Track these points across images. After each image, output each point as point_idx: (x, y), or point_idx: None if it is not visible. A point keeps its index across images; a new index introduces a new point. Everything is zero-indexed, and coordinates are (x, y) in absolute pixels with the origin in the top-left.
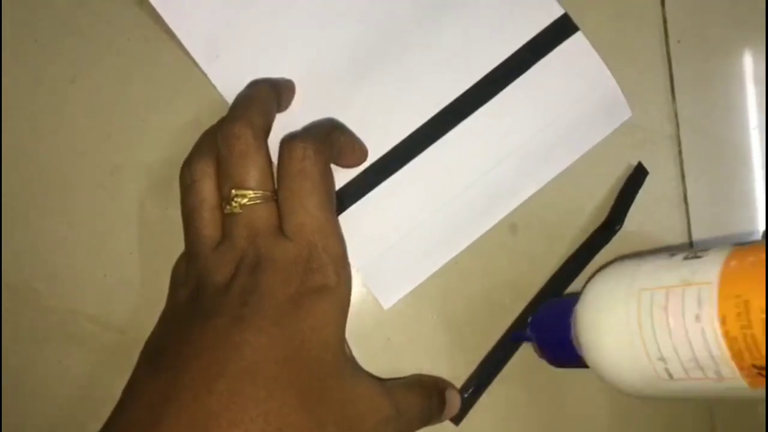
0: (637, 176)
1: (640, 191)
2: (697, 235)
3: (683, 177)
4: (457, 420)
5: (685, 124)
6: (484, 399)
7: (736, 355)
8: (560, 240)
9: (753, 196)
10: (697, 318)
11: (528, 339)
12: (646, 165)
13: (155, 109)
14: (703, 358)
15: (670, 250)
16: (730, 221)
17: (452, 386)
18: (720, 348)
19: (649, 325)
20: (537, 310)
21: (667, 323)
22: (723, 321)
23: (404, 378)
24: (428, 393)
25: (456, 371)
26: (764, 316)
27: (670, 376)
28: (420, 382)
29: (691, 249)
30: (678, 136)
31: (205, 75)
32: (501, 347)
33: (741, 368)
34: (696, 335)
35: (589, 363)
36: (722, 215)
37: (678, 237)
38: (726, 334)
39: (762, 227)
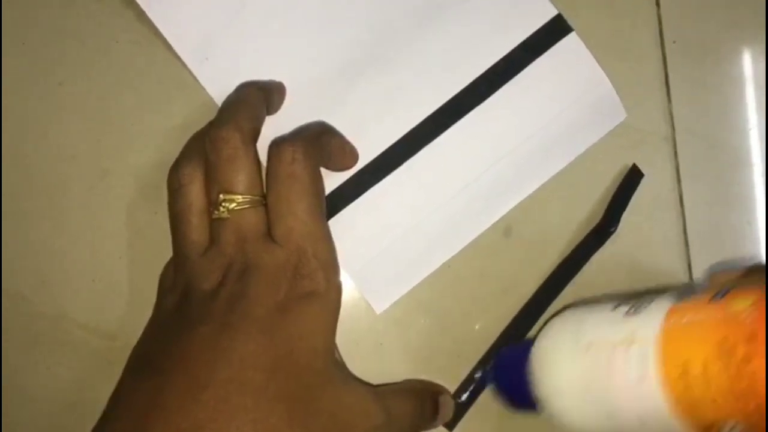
0: (632, 178)
1: (636, 193)
2: (693, 238)
3: (679, 179)
4: (450, 426)
5: (681, 125)
6: (478, 404)
7: (684, 416)
8: (555, 243)
9: (749, 198)
10: (641, 378)
11: (489, 383)
12: (641, 166)
13: (144, 113)
14: (651, 418)
15: (613, 302)
16: (726, 223)
17: (445, 391)
18: (664, 407)
19: (596, 383)
20: (498, 354)
21: (613, 381)
22: (665, 381)
23: (396, 383)
24: (421, 398)
25: (449, 376)
26: (704, 377)
27: (622, 430)
28: (412, 388)
29: (633, 301)
30: (673, 138)
31: (194, 77)
32: (496, 351)
33: (689, 427)
34: (641, 394)
35: (545, 409)
36: (718, 217)
37: (673, 239)
38: (669, 395)
39: (762, 227)
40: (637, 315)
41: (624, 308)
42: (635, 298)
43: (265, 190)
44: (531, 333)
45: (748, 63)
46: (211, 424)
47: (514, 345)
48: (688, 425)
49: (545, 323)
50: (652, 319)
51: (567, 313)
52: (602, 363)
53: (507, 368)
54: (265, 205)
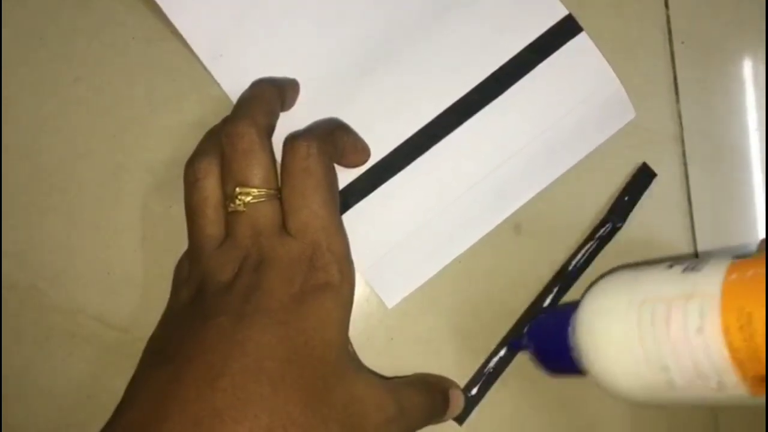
0: (642, 176)
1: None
2: (700, 236)
3: (687, 178)
4: (460, 419)
5: (689, 124)
6: (488, 398)
7: (739, 366)
8: (564, 240)
9: (758, 197)
10: (700, 330)
11: (525, 348)
12: (650, 165)
13: (159, 108)
14: (706, 368)
15: (666, 262)
16: (733, 222)
17: (456, 385)
18: (723, 359)
19: (650, 337)
20: (535, 319)
21: (669, 336)
22: (726, 333)
23: (408, 377)
24: (432, 392)
25: (459, 370)
26: (766, 327)
27: (672, 385)
28: (423, 381)
29: (688, 261)
30: (682, 137)
31: (209, 74)
32: (505, 346)
33: (743, 378)
34: (699, 347)
35: (588, 373)
36: (726, 216)
37: (681, 237)
38: (729, 346)
39: (762, 231)
40: (696, 272)
41: (680, 267)
42: (688, 259)
43: (279, 185)
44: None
45: (757, 63)
46: (229, 411)
47: (553, 309)
48: (744, 374)
49: (595, 281)
50: (714, 274)
51: (616, 275)
52: (659, 317)
53: (548, 331)
54: (280, 199)
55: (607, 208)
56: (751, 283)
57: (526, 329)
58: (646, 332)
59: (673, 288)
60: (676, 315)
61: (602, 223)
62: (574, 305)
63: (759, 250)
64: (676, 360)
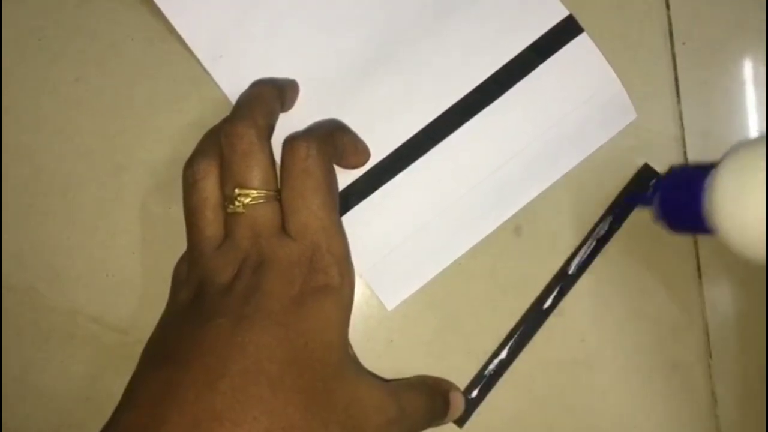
0: (644, 177)
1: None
2: (702, 237)
3: None
4: (461, 422)
5: (690, 125)
6: (488, 401)
7: None
8: (565, 242)
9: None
10: None
11: (648, 202)
12: (651, 166)
13: (159, 109)
14: None
15: None
16: None
17: (456, 388)
18: None
19: None
20: (665, 175)
21: None
22: None
23: (408, 379)
24: (432, 394)
25: (460, 372)
26: None
27: None
28: (424, 384)
29: None
30: (683, 138)
31: (208, 74)
32: (505, 348)
33: None
34: None
35: (723, 230)
36: None
37: (682, 238)
38: None
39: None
40: None
41: None
42: None
43: (279, 186)
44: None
45: (759, 64)
46: (228, 413)
47: (687, 166)
48: None
49: (731, 148)
50: None
51: (758, 138)
52: None
53: (679, 186)
54: (280, 200)
55: (607, 209)
56: None
57: (652, 182)
58: None
59: None
60: None
61: (600, 224)
62: (709, 165)
63: None
64: None
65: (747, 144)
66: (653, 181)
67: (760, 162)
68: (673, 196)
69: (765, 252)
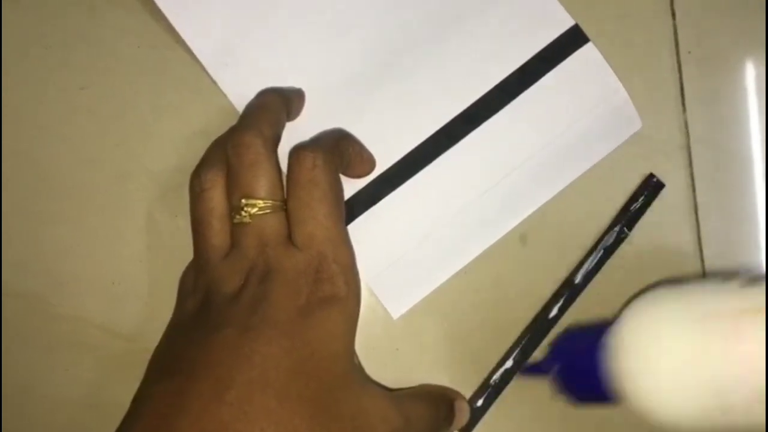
0: (649, 187)
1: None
2: (707, 247)
3: (694, 188)
4: (466, 431)
5: (696, 134)
6: (493, 410)
7: None
8: (570, 251)
9: (764, 207)
10: None
11: (547, 372)
12: (656, 175)
13: (164, 117)
14: None
15: (719, 276)
16: (741, 233)
17: (461, 396)
18: None
19: (712, 355)
20: (557, 341)
21: (737, 353)
22: None
23: (413, 388)
24: (437, 403)
25: (465, 381)
26: None
27: (727, 410)
28: (429, 393)
29: (738, 275)
30: (689, 147)
31: (214, 82)
32: (510, 357)
33: None
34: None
35: (627, 399)
36: (733, 227)
37: (688, 247)
38: None
39: (763, 233)
40: (757, 286)
41: (735, 281)
42: (733, 274)
43: (285, 196)
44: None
45: (764, 73)
46: (236, 424)
47: (580, 329)
48: None
49: (634, 296)
50: None
51: (661, 290)
52: (725, 332)
53: (575, 353)
54: (286, 210)
55: (614, 218)
56: None
57: (549, 350)
58: (709, 350)
59: (740, 301)
60: (746, 329)
61: (608, 233)
62: (605, 324)
63: None
64: (737, 381)
65: (649, 296)
66: (550, 348)
67: (662, 324)
68: (571, 363)
69: (673, 414)
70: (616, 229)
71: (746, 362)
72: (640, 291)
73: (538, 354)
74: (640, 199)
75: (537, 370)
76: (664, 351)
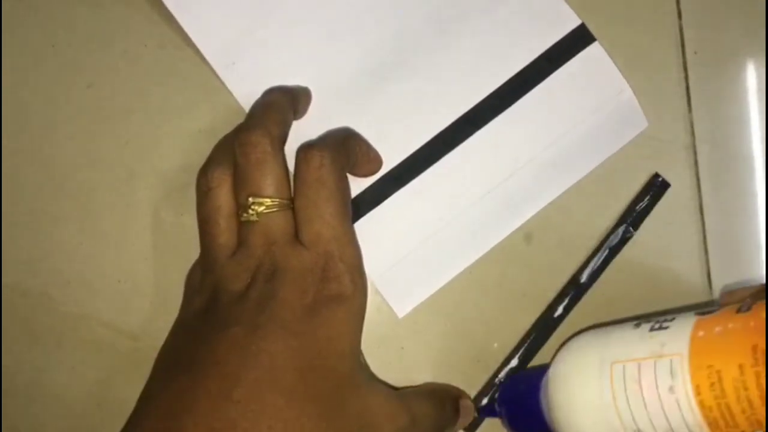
0: (654, 187)
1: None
2: (712, 247)
3: (699, 188)
4: (470, 429)
5: (701, 134)
6: None
7: (712, 424)
8: (575, 250)
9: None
10: (671, 389)
11: (498, 414)
12: (661, 175)
13: (171, 116)
14: (679, 428)
15: (633, 321)
16: (746, 233)
17: (466, 395)
18: (695, 417)
19: (623, 397)
20: (504, 383)
21: (642, 395)
22: (697, 391)
23: (418, 386)
24: (442, 402)
25: (470, 380)
26: (737, 385)
27: None
28: (434, 391)
29: (655, 319)
30: (694, 147)
31: (221, 82)
32: (515, 357)
33: None
34: (671, 406)
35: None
36: (738, 226)
37: (693, 248)
38: (701, 404)
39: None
40: (663, 330)
41: (647, 326)
42: (655, 316)
43: (292, 194)
44: (546, 347)
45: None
46: (244, 422)
47: (523, 373)
48: None
49: (563, 343)
50: (680, 332)
51: (585, 335)
52: (630, 379)
53: (518, 395)
54: (293, 209)
55: (619, 217)
56: (718, 340)
57: (496, 396)
58: (619, 393)
59: (642, 348)
60: (646, 375)
61: (613, 232)
62: (545, 368)
63: (722, 304)
64: (649, 421)
65: (574, 342)
66: (497, 393)
67: (586, 360)
68: (515, 404)
69: None
70: (622, 228)
71: (649, 406)
72: (571, 335)
73: (535, 361)
74: (646, 199)
75: (489, 411)
76: (584, 394)
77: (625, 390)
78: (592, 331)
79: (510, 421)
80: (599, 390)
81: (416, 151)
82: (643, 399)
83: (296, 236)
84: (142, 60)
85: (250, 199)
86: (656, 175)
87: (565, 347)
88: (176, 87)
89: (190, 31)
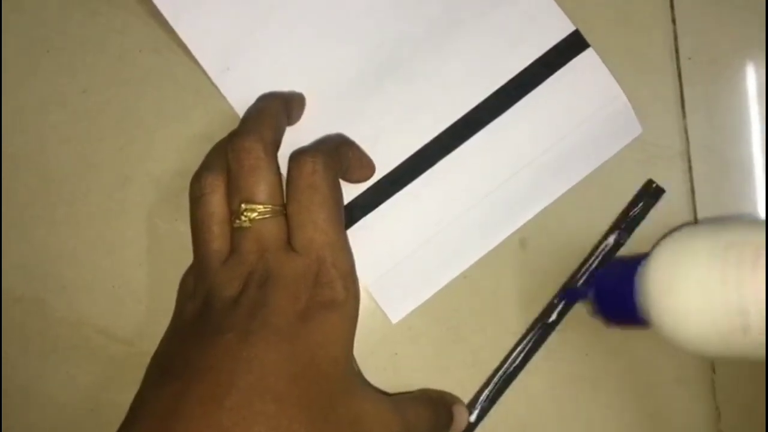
0: (648, 193)
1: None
2: None
3: (693, 193)
4: None
5: (696, 140)
6: (492, 414)
7: None
8: (569, 255)
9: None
10: None
11: (585, 296)
12: (656, 181)
13: (166, 121)
14: None
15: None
16: None
17: (460, 401)
18: None
19: (734, 279)
20: (597, 270)
21: (756, 277)
22: None
23: (412, 393)
24: (436, 408)
25: (464, 386)
26: None
27: (747, 330)
28: (428, 397)
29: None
30: (688, 153)
31: (215, 87)
32: (509, 362)
33: None
34: None
35: (656, 320)
36: None
37: None
38: None
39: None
40: None
41: (757, 221)
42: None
43: (285, 200)
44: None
45: (763, 79)
46: (235, 429)
47: (618, 259)
48: None
49: (662, 238)
50: None
51: (691, 226)
52: (747, 259)
53: (612, 280)
54: (285, 215)
55: (613, 224)
56: None
57: (583, 279)
58: (730, 274)
59: (758, 235)
60: (764, 260)
61: (607, 238)
62: (641, 256)
63: None
64: (756, 302)
65: (676, 234)
66: (584, 277)
67: (689, 252)
68: (608, 288)
69: (700, 334)
70: (615, 234)
71: (760, 287)
72: (670, 230)
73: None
74: (640, 205)
75: (576, 293)
76: (690, 277)
77: (738, 272)
78: (695, 225)
79: (599, 304)
80: (707, 272)
81: (410, 157)
82: (757, 281)
83: (289, 242)
84: (137, 65)
85: (243, 206)
86: (650, 182)
87: (671, 235)
88: (170, 92)
89: (185, 36)
